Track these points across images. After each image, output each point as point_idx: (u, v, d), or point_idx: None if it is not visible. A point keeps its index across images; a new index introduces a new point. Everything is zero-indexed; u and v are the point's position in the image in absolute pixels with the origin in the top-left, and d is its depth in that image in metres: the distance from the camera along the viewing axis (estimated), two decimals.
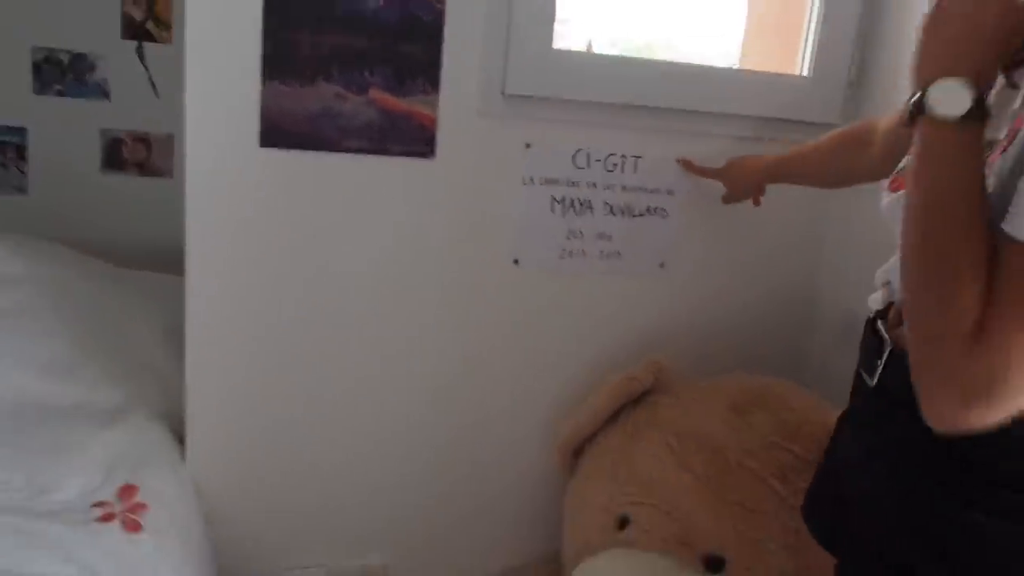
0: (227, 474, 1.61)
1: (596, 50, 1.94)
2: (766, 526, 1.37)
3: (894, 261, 1.03)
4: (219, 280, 1.52)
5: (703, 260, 1.83)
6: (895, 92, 1.74)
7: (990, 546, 0.88)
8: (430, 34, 1.53)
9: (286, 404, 1.62)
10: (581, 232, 1.72)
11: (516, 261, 1.70)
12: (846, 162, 1.46)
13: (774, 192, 1.69)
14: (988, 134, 0.88)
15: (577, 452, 1.69)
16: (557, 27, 1.62)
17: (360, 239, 1.59)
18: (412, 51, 1.52)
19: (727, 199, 1.72)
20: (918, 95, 0.82)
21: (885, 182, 1.06)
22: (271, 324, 1.57)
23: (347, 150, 1.53)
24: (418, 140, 1.57)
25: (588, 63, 1.66)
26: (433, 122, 1.57)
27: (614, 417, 1.65)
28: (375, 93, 1.53)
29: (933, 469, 0.92)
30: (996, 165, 0.84)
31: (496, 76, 1.58)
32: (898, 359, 0.97)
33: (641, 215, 1.76)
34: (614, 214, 1.74)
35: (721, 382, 1.65)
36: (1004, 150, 0.84)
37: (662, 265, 1.81)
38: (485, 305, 1.70)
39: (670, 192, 1.77)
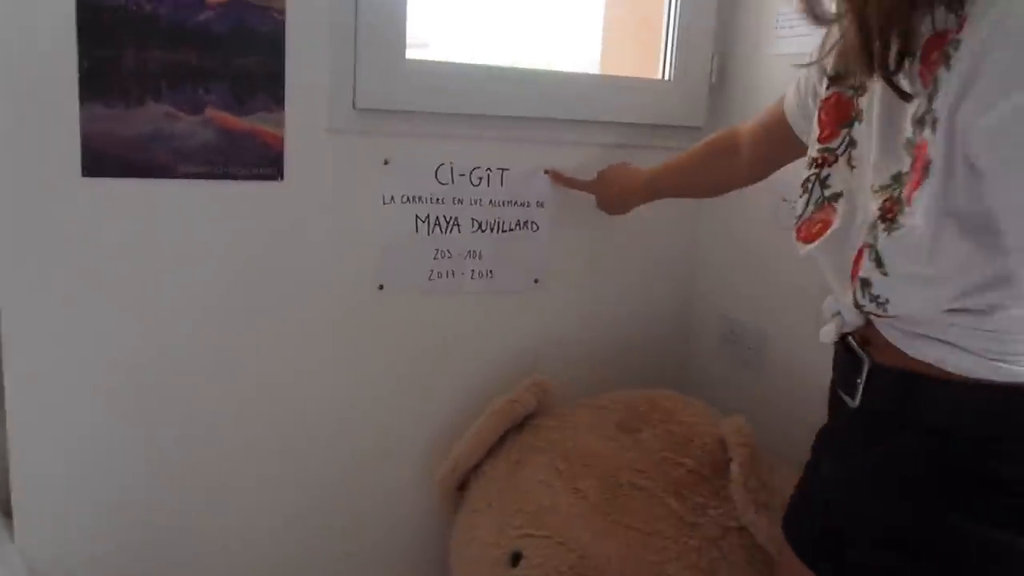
0: (62, 549, 1.41)
1: None
2: (666, 548, 1.29)
3: (839, 293, 0.97)
4: (41, 329, 1.34)
5: (579, 273, 1.77)
6: (756, 92, 1.73)
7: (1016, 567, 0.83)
8: (270, 46, 1.40)
9: (128, 464, 1.44)
10: (449, 251, 1.62)
11: (381, 286, 1.58)
12: (716, 172, 1.43)
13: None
14: (892, 166, 0.85)
15: (461, 485, 1.58)
16: (417, 52, 1.53)
17: (204, 273, 1.43)
18: (250, 65, 1.39)
19: (600, 207, 1.66)
20: None
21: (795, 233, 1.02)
22: (105, 375, 1.40)
23: (184, 176, 1.38)
24: (263, 161, 1.44)
25: (445, 73, 1.56)
26: (279, 141, 1.44)
27: (498, 444, 1.55)
28: (212, 112, 1.39)
29: (953, 485, 0.86)
30: (920, 199, 0.78)
31: (346, 89, 1.46)
32: (880, 374, 0.93)
33: (511, 230, 1.68)
34: (483, 230, 1.65)
35: (605, 399, 1.58)
36: (919, 185, 0.78)
37: (537, 281, 1.72)
38: (350, 336, 1.57)
39: (540, 204, 1.69)
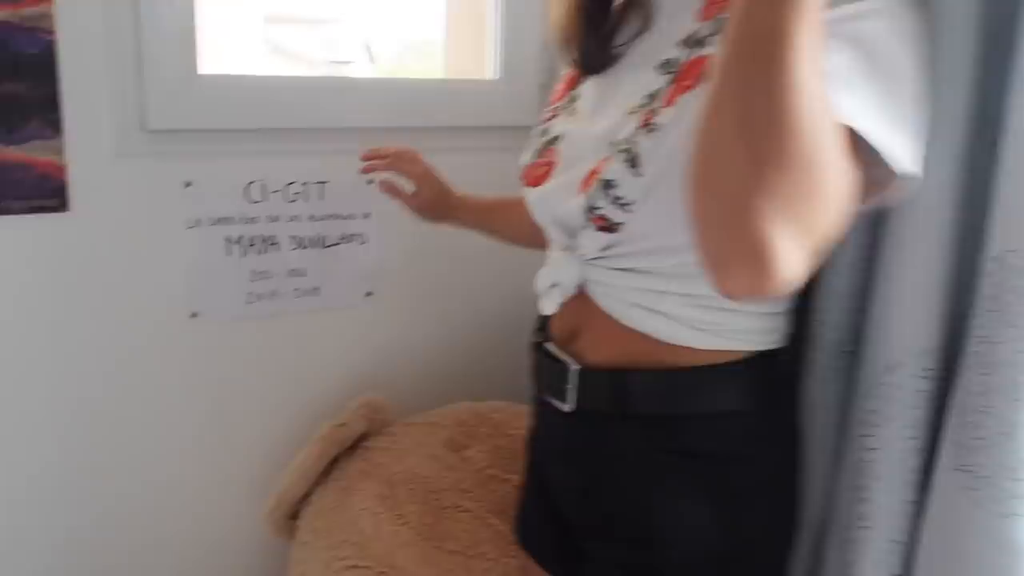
0: None
1: None
2: (488, 570, 1.25)
3: (558, 260, 0.99)
4: None
5: (416, 283, 1.70)
6: None
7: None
8: (40, 69, 1.30)
9: None
10: (268, 272, 1.54)
11: (195, 314, 1.50)
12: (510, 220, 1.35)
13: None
14: (644, 89, 0.88)
15: (294, 515, 1.51)
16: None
17: None
18: (18, 91, 1.29)
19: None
20: None
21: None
22: None
23: None
24: (43, 193, 1.34)
25: (243, 87, 1.48)
26: (61, 170, 1.35)
27: (329, 470, 1.48)
28: None
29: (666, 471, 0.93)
30: (680, 104, 0.83)
31: (133, 110, 1.37)
32: (590, 375, 0.95)
33: (336, 244, 1.61)
34: (304, 247, 1.58)
35: (437, 415, 1.53)
36: (686, 91, 0.83)
37: (368, 294, 1.66)
38: (163, 372, 1.48)
39: (366, 215, 1.63)
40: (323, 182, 1.57)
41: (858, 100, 0.69)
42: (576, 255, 0.96)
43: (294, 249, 1.57)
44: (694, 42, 0.86)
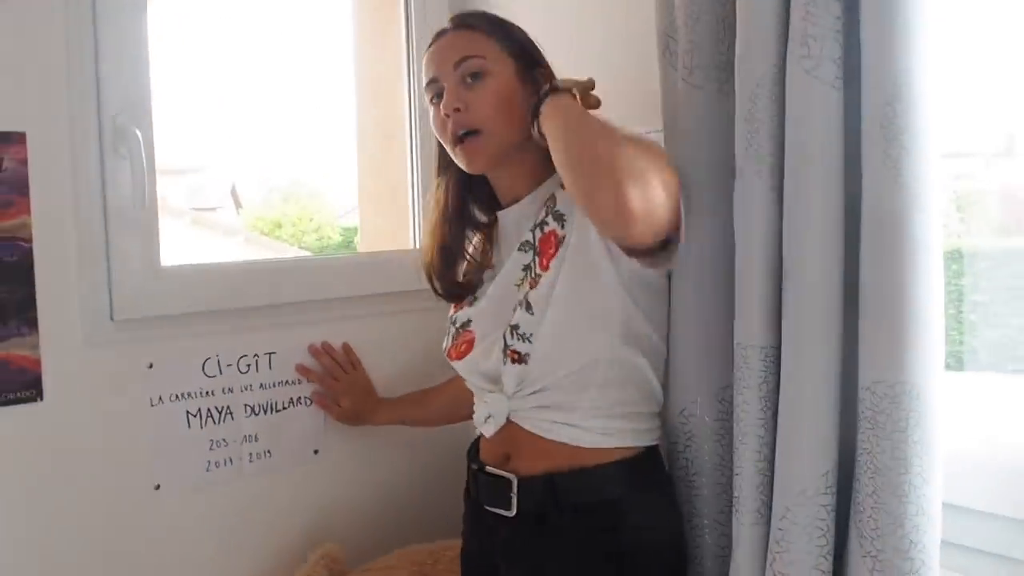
0: None
1: None
2: None
3: (489, 398, 1.32)
4: None
5: (358, 437, 1.84)
6: None
7: None
8: (19, 275, 1.44)
9: None
10: (224, 440, 1.67)
11: (158, 487, 1.60)
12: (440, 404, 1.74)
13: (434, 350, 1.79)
14: (520, 264, 1.30)
15: None
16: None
17: None
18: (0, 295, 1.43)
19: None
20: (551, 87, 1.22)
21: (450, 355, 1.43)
22: None
23: None
24: (20, 386, 1.45)
25: (202, 275, 1.65)
26: (37, 363, 1.47)
27: None
28: None
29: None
30: (554, 265, 1.24)
31: (101, 304, 1.51)
32: (527, 484, 1.27)
33: (285, 408, 1.75)
34: (256, 414, 1.71)
35: (394, 558, 1.66)
36: (553, 257, 1.24)
37: (316, 452, 1.80)
38: (129, 543, 1.56)
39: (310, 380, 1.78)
40: (271, 353, 1.73)
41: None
42: (502, 394, 1.29)
43: (248, 416, 1.70)
44: (540, 224, 1.29)
